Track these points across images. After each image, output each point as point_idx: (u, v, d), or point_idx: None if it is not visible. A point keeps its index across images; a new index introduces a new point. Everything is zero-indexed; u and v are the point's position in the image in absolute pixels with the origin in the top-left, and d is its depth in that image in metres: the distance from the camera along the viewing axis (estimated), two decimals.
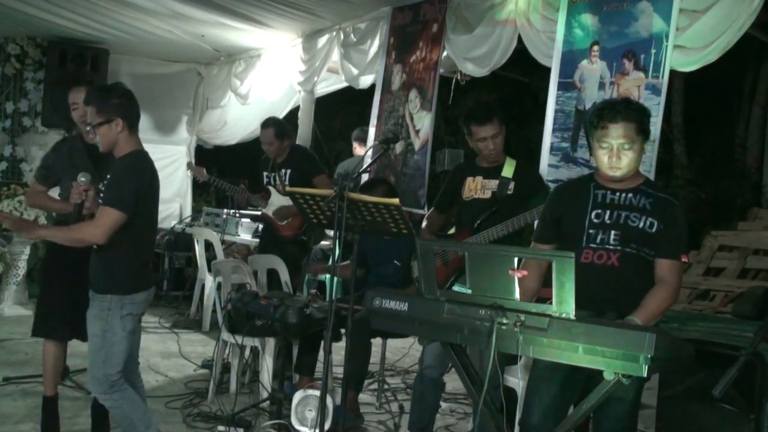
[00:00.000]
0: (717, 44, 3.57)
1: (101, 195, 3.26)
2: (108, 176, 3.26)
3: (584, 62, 4.16)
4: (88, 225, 3.24)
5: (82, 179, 3.48)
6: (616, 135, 2.84)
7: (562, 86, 4.28)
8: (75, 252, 3.45)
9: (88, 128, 3.31)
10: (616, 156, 2.85)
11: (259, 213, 6.09)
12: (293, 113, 7.36)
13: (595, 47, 4.11)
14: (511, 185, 3.90)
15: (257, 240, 6.57)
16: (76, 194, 3.49)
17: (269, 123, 5.66)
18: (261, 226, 6.43)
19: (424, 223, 4.31)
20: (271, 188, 5.72)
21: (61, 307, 3.87)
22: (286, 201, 5.53)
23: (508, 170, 3.94)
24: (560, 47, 4.28)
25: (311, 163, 5.67)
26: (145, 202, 3.26)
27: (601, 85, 4.05)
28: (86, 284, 3.35)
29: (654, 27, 3.81)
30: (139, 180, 3.23)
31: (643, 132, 2.88)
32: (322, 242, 6.37)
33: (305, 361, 4.61)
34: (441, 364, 3.79)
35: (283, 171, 5.61)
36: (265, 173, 5.76)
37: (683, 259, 2.89)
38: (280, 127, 5.65)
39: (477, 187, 3.99)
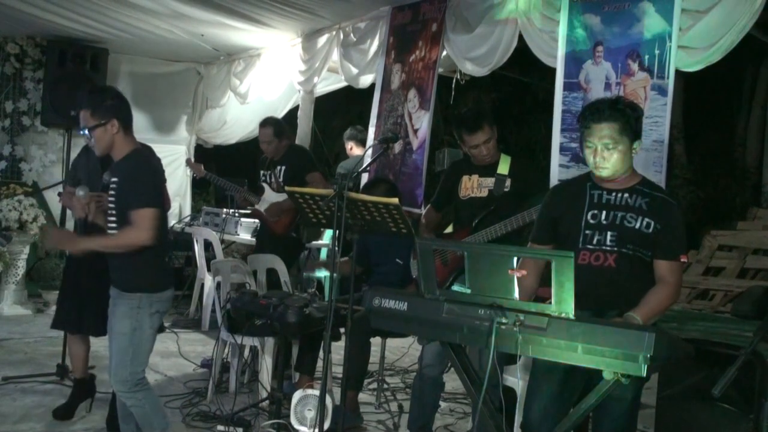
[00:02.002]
0: (720, 44, 3.56)
1: (127, 202, 3.17)
2: (114, 180, 3.23)
3: (589, 62, 4.14)
4: (133, 230, 3.14)
5: (80, 193, 3.53)
6: (598, 135, 2.84)
7: (568, 86, 4.27)
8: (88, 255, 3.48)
9: (82, 132, 3.29)
10: (600, 155, 2.85)
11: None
12: (293, 113, 7.36)
13: (600, 48, 4.09)
14: (508, 182, 3.91)
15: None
16: (79, 209, 3.58)
17: (268, 122, 5.69)
18: (259, 225, 6.44)
19: (422, 221, 4.32)
20: (265, 185, 5.74)
21: (72, 303, 4.15)
22: (279, 199, 5.54)
23: (504, 167, 3.94)
24: (563, 47, 4.27)
25: (305, 161, 5.67)
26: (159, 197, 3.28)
27: (607, 86, 4.03)
28: (95, 285, 3.35)
29: (656, 27, 3.79)
30: (154, 175, 3.27)
31: (629, 132, 2.85)
32: (317, 241, 6.37)
33: (305, 360, 4.60)
34: (440, 364, 3.79)
35: (278, 168, 5.62)
36: (261, 171, 5.78)
37: (682, 259, 2.87)
38: (279, 126, 5.67)
39: (473, 186, 3.99)
